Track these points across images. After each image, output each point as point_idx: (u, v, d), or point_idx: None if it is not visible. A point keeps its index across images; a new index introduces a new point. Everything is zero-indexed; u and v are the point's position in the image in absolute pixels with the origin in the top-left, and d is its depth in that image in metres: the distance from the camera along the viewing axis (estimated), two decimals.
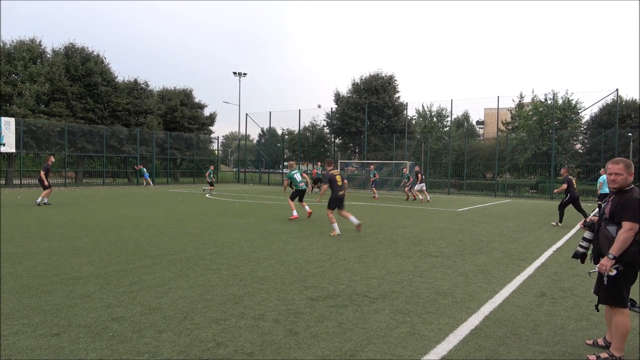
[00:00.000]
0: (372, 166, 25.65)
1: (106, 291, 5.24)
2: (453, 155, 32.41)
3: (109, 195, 21.84)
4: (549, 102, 32.36)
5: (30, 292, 5.17)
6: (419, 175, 21.48)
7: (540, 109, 32.66)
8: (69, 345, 3.70)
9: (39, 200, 15.70)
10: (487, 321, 4.53)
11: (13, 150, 26.10)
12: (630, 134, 30.92)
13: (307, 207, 12.95)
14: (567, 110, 32.23)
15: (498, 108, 29.90)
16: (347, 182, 25.62)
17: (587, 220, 3.84)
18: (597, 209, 13.55)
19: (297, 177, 13.01)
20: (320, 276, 6.19)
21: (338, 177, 10.18)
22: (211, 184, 24.23)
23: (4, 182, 28.20)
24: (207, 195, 22.64)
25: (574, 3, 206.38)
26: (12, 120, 25.64)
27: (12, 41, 29.18)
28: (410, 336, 4.07)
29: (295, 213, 12.67)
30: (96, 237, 9.02)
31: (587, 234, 3.80)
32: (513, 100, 37.96)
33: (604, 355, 3.66)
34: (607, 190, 14.67)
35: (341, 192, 10.11)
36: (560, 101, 32.24)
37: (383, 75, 39.28)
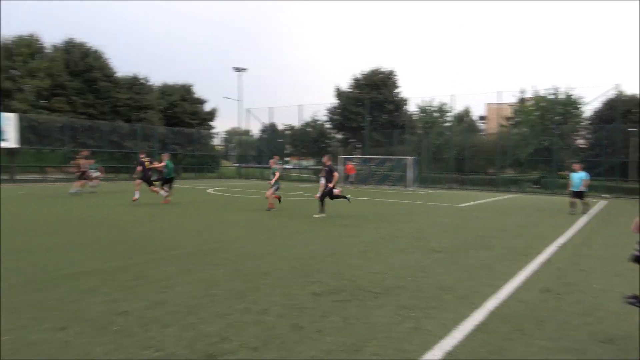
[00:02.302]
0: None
1: (110, 286, 5.25)
2: (455, 150, 32.35)
3: (110, 190, 21.84)
4: (551, 97, 32.25)
5: (35, 286, 5.18)
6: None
7: (542, 103, 32.55)
8: (75, 339, 3.71)
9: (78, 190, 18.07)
10: (492, 317, 4.52)
11: (15, 145, 26.13)
12: (630, 129, 30.81)
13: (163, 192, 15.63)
14: (569, 105, 32.10)
15: (499, 103, 29.85)
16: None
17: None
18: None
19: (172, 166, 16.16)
20: (324, 271, 6.20)
21: (147, 163, 15.03)
22: (88, 177, 19.24)
23: (6, 177, 28.20)
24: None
25: (574, 2, 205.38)
26: (13, 115, 25.64)
27: (12, 37, 29.18)
28: (415, 331, 4.07)
29: (163, 193, 15.30)
30: (99, 233, 9.03)
31: None
32: (514, 96, 37.84)
33: None
34: (577, 189, 14.55)
35: (149, 174, 15.05)
36: (561, 96, 32.13)
37: (383, 70, 39.12)
